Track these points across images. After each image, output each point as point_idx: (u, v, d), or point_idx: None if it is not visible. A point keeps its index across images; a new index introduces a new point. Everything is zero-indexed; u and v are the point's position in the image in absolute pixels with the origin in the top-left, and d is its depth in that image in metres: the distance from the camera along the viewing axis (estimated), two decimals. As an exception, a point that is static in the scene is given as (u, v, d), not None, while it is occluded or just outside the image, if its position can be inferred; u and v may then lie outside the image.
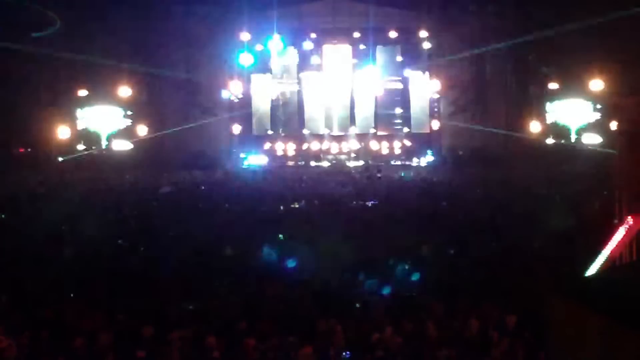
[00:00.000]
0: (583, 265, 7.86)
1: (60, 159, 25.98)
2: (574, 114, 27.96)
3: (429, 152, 29.55)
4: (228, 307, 8.66)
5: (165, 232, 13.03)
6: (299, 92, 30.45)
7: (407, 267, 10.04)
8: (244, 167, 28.63)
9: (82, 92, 27.30)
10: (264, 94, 30.40)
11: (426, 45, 29.61)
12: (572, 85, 27.49)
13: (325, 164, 29.34)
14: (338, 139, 30.20)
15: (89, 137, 27.47)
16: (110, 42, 26.05)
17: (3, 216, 15.41)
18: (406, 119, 30.51)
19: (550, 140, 28.27)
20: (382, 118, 30.46)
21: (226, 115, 29.36)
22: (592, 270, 7.43)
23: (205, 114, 28.65)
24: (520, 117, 28.59)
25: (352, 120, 30.37)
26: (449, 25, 27.30)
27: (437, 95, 29.83)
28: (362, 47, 29.79)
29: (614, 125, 25.16)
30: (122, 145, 27.67)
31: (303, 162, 29.38)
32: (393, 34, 29.42)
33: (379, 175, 24.09)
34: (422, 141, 30.08)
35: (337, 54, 30.28)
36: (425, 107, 30.35)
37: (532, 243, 11.58)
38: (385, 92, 30.26)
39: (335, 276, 9.83)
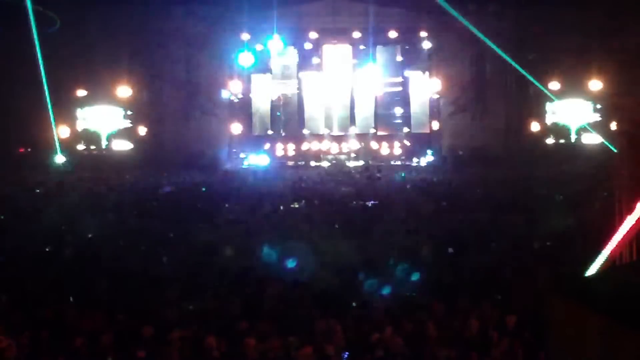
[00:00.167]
0: (583, 265, 7.86)
1: (60, 159, 25.96)
2: (574, 114, 27.99)
3: (429, 152, 29.55)
4: (228, 307, 8.65)
5: (165, 232, 13.03)
6: (299, 92, 30.46)
7: (407, 267, 10.04)
8: (244, 167, 28.63)
9: (82, 92, 27.31)
10: (264, 94, 30.41)
11: (426, 45, 29.62)
12: (572, 85, 27.52)
13: (325, 164, 29.32)
14: (338, 139, 30.21)
15: (89, 137, 27.49)
16: (110, 42, 26.05)
17: (2, 217, 15.40)
18: (406, 119, 30.52)
19: (550, 140, 28.29)
20: (382, 118, 30.46)
21: (226, 115, 29.36)
22: (592, 270, 7.42)
23: (205, 114, 28.66)
24: (520, 117, 28.62)
25: (352, 120, 30.38)
26: (449, 25, 27.26)
27: (437, 95, 29.84)
28: (362, 47, 29.79)
29: (614, 125, 25.32)
30: (122, 145, 27.68)
31: (303, 162, 29.38)
32: (393, 34, 29.41)
33: (378, 175, 24.09)
34: (422, 141, 30.08)
35: (337, 54, 30.28)
36: (425, 107, 30.36)
37: (532, 243, 11.58)
38: (385, 92, 30.27)
39: (335, 276, 9.84)
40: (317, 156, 29.81)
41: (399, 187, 21.11)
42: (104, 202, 17.16)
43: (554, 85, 27.37)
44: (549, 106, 28.12)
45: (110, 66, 26.43)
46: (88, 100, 27.39)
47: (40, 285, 9.38)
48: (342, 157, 29.93)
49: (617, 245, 7.41)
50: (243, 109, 30.03)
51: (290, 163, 29.52)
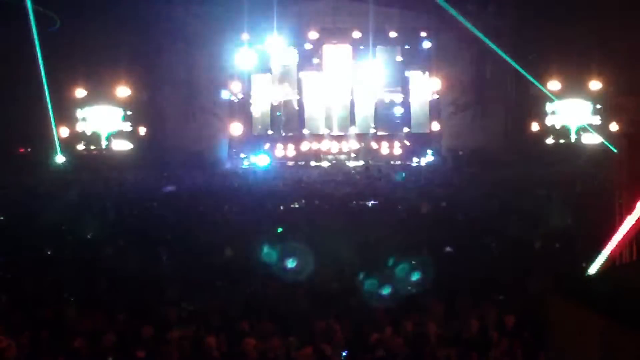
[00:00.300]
0: (583, 265, 7.87)
1: (60, 159, 25.97)
2: (574, 114, 27.98)
3: (429, 152, 29.53)
4: (228, 307, 8.66)
5: (165, 232, 13.04)
6: (299, 92, 30.44)
7: (407, 267, 10.04)
8: (244, 167, 28.62)
9: (82, 93, 27.31)
10: (264, 94, 30.39)
11: (426, 45, 29.61)
12: (572, 85, 27.52)
13: (325, 164, 29.31)
14: (338, 139, 30.17)
15: (89, 137, 27.49)
16: (110, 42, 26.04)
17: (2, 217, 15.41)
18: (406, 119, 30.49)
19: (550, 141, 28.28)
20: (382, 118, 30.43)
21: (226, 115, 29.35)
22: (592, 270, 7.42)
23: (205, 114, 28.65)
24: (521, 117, 28.61)
25: (352, 120, 30.34)
26: (449, 25, 27.27)
27: (437, 95, 29.82)
28: (362, 47, 29.77)
29: (614, 125, 25.33)
30: (122, 145, 27.68)
31: (303, 162, 29.36)
32: (393, 34, 29.39)
33: (379, 175, 24.09)
34: (422, 141, 30.03)
35: (337, 54, 30.27)
36: (425, 107, 30.33)
37: (532, 243, 11.58)
38: (385, 92, 30.25)
39: (335, 276, 9.85)
40: (317, 156, 29.77)
41: (399, 187, 21.11)
42: (104, 202, 17.17)
43: (554, 85, 27.35)
44: (549, 106, 28.08)
45: (110, 66, 26.40)
46: (88, 101, 27.36)
47: (40, 285, 9.39)
48: (342, 157, 29.89)
49: (617, 245, 7.42)
50: (243, 109, 29.98)
51: (290, 163, 29.47)
